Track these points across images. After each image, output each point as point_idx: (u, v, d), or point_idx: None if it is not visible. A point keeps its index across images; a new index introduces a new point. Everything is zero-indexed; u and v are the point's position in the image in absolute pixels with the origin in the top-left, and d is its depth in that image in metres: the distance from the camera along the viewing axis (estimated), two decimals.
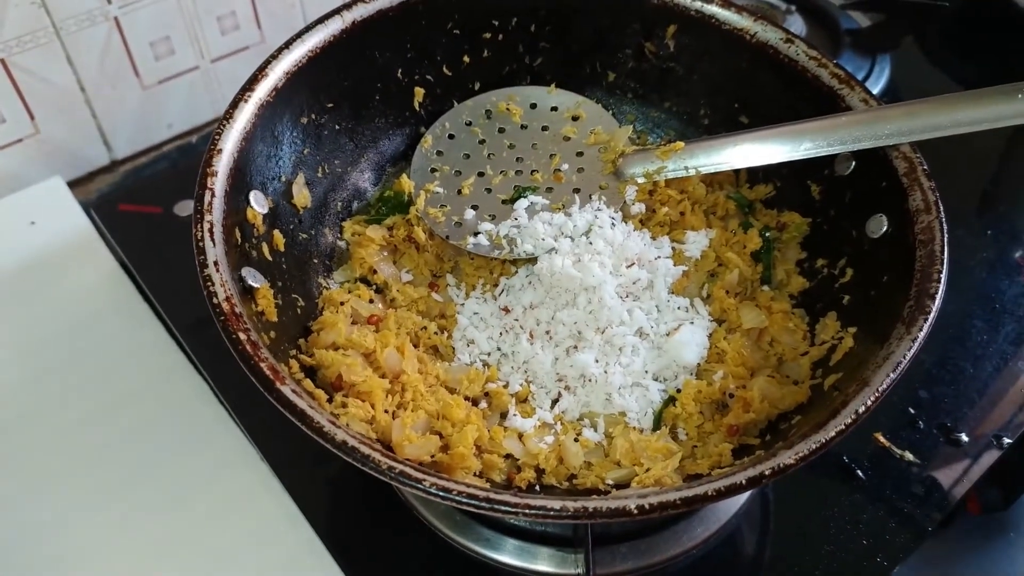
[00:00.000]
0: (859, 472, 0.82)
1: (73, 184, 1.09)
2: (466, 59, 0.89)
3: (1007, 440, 0.84)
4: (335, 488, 0.81)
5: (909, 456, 0.83)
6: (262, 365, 0.59)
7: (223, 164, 0.69)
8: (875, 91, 1.16)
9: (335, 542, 0.76)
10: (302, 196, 0.80)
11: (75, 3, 0.98)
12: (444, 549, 0.77)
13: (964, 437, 0.84)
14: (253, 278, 0.68)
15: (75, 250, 0.99)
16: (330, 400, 0.68)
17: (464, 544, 0.77)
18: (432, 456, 0.67)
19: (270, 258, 0.74)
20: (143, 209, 1.03)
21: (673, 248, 0.83)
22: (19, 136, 1.03)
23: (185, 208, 1.02)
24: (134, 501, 0.79)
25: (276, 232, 0.76)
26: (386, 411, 0.69)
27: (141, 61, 1.07)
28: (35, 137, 1.04)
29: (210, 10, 1.08)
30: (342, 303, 0.77)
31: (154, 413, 0.85)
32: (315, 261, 0.81)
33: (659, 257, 0.81)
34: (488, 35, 0.88)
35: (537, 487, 0.71)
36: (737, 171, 0.88)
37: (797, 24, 1.21)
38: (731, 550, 0.78)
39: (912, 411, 0.86)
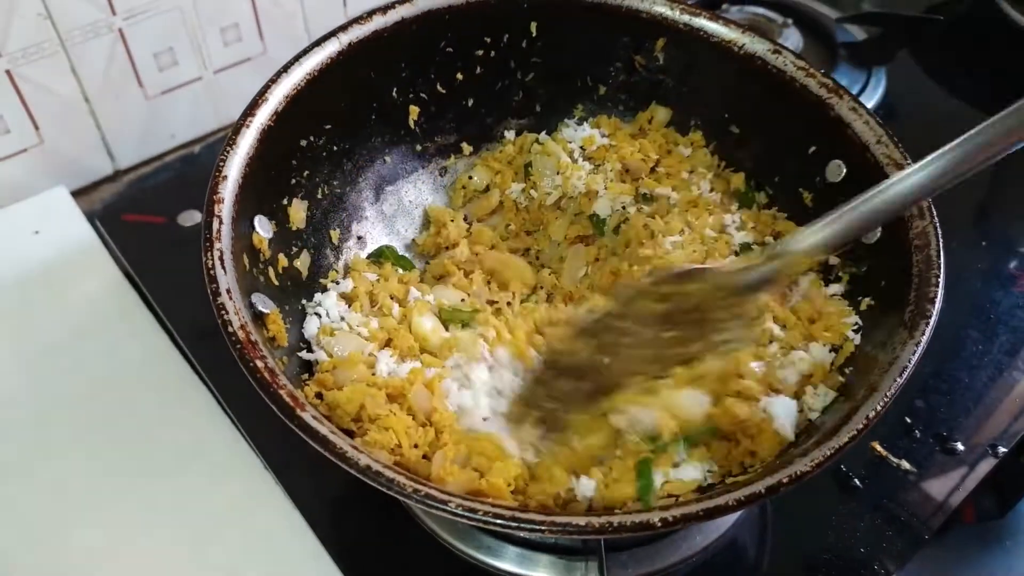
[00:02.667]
0: (856, 481, 0.82)
1: (77, 194, 1.10)
2: (459, 76, 0.90)
3: (1002, 449, 0.85)
4: (338, 496, 0.82)
5: (905, 465, 0.84)
6: (281, 392, 0.59)
7: (228, 190, 0.69)
8: (870, 104, 1.18)
9: (338, 549, 0.77)
10: (301, 218, 0.81)
11: (80, 14, 0.99)
12: (446, 556, 0.78)
13: (960, 446, 0.85)
14: (263, 304, 0.69)
15: (79, 259, 1.00)
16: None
17: (466, 552, 0.77)
18: None
19: (276, 283, 0.75)
20: (147, 219, 1.04)
21: None
22: (24, 146, 1.04)
23: (188, 218, 1.03)
24: (137, 509, 0.80)
25: (281, 256, 0.76)
26: (415, 446, 0.69)
27: (145, 72, 1.08)
28: (39, 147, 1.05)
29: (213, 21, 1.09)
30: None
31: (157, 422, 0.86)
32: (321, 281, 0.82)
33: None
34: (480, 52, 0.90)
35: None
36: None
37: (793, 37, 1.23)
38: (730, 558, 0.79)
39: (908, 420, 0.87)
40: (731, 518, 0.80)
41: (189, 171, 1.15)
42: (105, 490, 0.81)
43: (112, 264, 0.99)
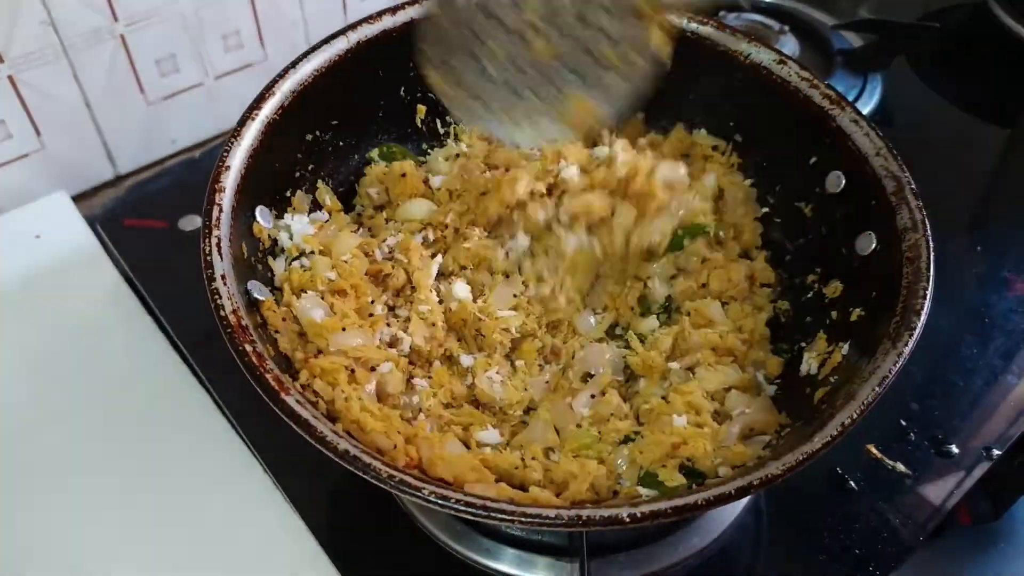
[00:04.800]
0: (852, 483, 0.83)
1: (78, 199, 1.10)
2: None
3: (997, 452, 0.86)
4: (337, 498, 0.82)
5: (901, 467, 0.84)
6: (267, 376, 0.61)
7: (230, 180, 0.71)
8: (866, 110, 1.18)
9: (337, 551, 0.77)
10: (304, 210, 0.82)
11: (82, 21, 1.00)
12: (444, 558, 0.78)
13: (955, 449, 0.86)
14: (259, 291, 0.70)
15: (80, 264, 1.00)
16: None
17: (464, 553, 0.78)
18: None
19: (275, 271, 0.75)
20: (147, 224, 1.04)
21: None
22: (25, 151, 1.05)
23: (190, 223, 1.03)
24: (136, 511, 0.80)
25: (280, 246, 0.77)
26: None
27: (146, 78, 1.09)
28: (41, 152, 1.06)
29: (215, 28, 1.10)
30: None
31: (157, 425, 0.86)
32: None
33: None
34: None
35: None
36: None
37: (790, 44, 1.23)
38: (726, 559, 0.79)
39: (904, 423, 0.88)
40: (727, 520, 0.80)
41: (190, 176, 1.16)
42: (105, 492, 0.81)
43: (113, 269, 1.00)
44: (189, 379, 0.89)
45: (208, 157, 1.18)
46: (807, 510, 0.81)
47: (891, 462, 0.84)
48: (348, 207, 0.88)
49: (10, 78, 0.98)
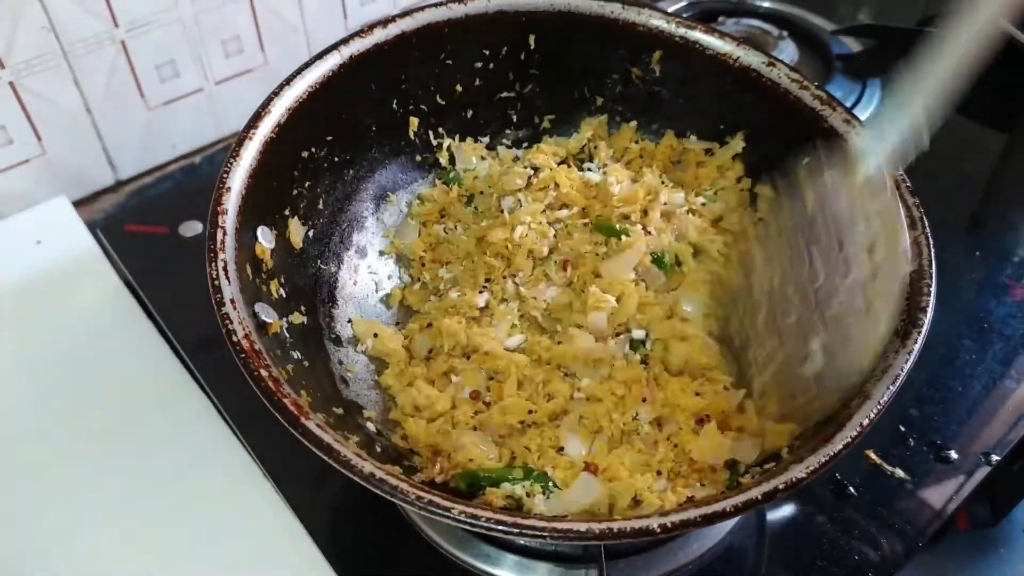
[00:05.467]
0: (851, 489, 0.83)
1: (78, 204, 1.10)
2: (458, 88, 0.91)
3: (995, 457, 0.86)
4: (338, 504, 0.82)
5: (900, 473, 0.84)
6: (285, 401, 0.60)
7: (232, 202, 0.70)
8: (865, 115, 1.18)
9: (338, 558, 0.77)
10: (302, 229, 0.82)
11: (83, 27, 1.00)
12: (445, 565, 0.78)
13: (954, 454, 0.86)
14: (266, 313, 0.69)
15: (80, 269, 1.01)
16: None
17: (465, 560, 0.78)
18: None
19: (280, 293, 0.75)
20: (148, 229, 1.05)
21: None
22: (26, 157, 1.05)
23: (189, 228, 1.04)
24: (137, 518, 0.80)
25: (284, 264, 0.77)
26: None
27: (147, 83, 1.09)
28: (42, 157, 1.06)
29: (214, 33, 1.10)
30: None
31: (158, 431, 0.86)
32: (321, 292, 0.83)
33: None
34: (479, 64, 0.91)
35: None
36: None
37: (789, 49, 1.24)
38: (726, 566, 0.79)
39: (903, 429, 0.88)
40: (727, 526, 0.80)
41: (190, 181, 1.16)
42: (105, 499, 0.81)
43: (113, 274, 1.00)
44: (189, 384, 0.90)
45: (208, 162, 1.18)
46: (806, 516, 0.81)
47: (890, 468, 0.85)
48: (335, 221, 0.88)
49: (11, 84, 0.98)
